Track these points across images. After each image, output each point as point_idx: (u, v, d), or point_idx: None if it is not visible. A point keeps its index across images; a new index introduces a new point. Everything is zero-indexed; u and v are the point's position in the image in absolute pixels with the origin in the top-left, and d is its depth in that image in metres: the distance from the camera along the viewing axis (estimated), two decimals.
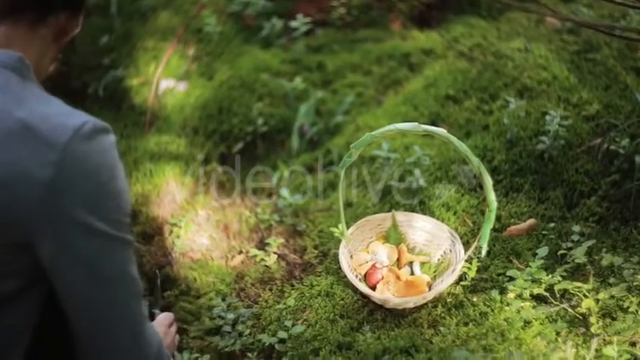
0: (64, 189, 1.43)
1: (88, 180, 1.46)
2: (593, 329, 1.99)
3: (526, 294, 2.15)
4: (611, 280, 2.15)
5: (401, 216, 2.48)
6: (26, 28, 1.60)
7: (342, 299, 2.28)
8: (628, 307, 2.04)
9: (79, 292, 1.51)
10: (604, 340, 1.96)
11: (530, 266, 2.19)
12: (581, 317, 2.05)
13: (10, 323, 1.56)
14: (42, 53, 1.66)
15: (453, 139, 2.02)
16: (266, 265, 2.55)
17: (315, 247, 2.58)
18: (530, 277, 2.16)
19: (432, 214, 2.54)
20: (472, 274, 2.26)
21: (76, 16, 1.69)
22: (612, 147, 2.59)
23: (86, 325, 1.56)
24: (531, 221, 2.47)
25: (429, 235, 2.42)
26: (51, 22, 1.63)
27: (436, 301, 2.21)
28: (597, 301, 2.07)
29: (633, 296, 2.06)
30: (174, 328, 2.06)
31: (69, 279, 1.50)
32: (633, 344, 1.91)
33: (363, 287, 2.23)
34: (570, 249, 2.28)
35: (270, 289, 2.44)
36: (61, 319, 1.57)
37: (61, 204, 1.43)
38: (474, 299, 2.20)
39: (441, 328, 2.09)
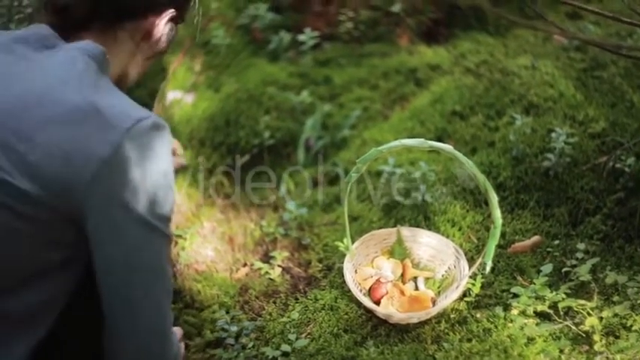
0: (118, 169, 1.52)
1: (140, 168, 1.55)
2: (596, 347, 1.99)
3: (530, 311, 2.15)
4: (615, 298, 2.15)
5: (406, 231, 2.48)
6: (102, 32, 1.73)
7: (346, 313, 2.28)
8: (631, 326, 2.04)
9: (115, 273, 1.60)
10: (607, 358, 1.95)
11: (535, 283, 2.19)
12: (584, 335, 2.05)
13: (49, 291, 1.65)
14: (125, 60, 1.81)
15: (459, 155, 2.02)
16: (270, 278, 2.55)
17: (320, 261, 2.58)
18: (534, 294, 2.16)
19: (437, 230, 2.54)
20: (476, 290, 2.26)
21: (155, 21, 1.80)
22: (618, 165, 2.59)
23: (116, 311, 1.64)
24: (536, 238, 2.48)
25: (434, 250, 2.43)
26: (127, 27, 1.77)
27: (440, 316, 2.21)
28: (601, 319, 2.07)
29: (637, 315, 2.05)
30: (182, 344, 2.11)
31: (107, 256, 1.59)
32: None
33: (367, 302, 2.23)
34: (575, 266, 2.28)
35: (275, 302, 2.44)
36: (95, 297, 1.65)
37: (112, 182, 1.53)
38: (478, 315, 2.20)
39: (445, 344, 2.09)
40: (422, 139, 2.04)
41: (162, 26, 1.81)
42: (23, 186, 1.49)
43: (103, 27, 1.73)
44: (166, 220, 1.64)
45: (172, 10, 1.82)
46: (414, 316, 2.17)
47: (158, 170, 1.59)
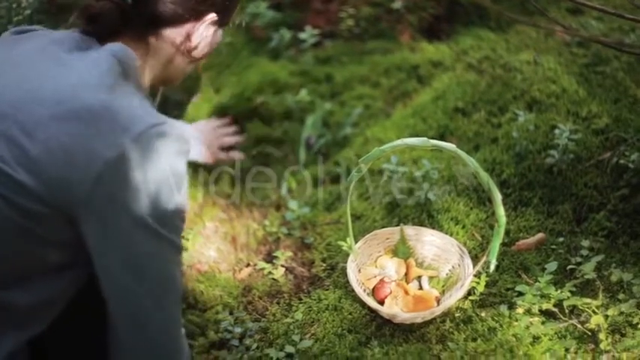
0: (123, 173, 1.50)
1: (148, 174, 1.52)
2: (602, 345, 1.98)
3: (535, 309, 2.14)
4: (621, 296, 2.14)
5: (409, 230, 2.47)
6: (137, 39, 1.75)
7: (350, 313, 2.28)
8: (637, 324, 2.03)
9: (121, 282, 1.58)
10: (613, 356, 1.95)
11: (539, 281, 2.18)
12: (590, 333, 2.04)
13: (46, 291, 1.64)
14: (164, 63, 1.82)
15: (462, 153, 2.01)
16: (274, 279, 2.55)
17: (323, 261, 2.57)
18: (539, 293, 2.15)
19: (440, 229, 2.53)
20: (480, 288, 2.25)
21: (195, 25, 1.81)
22: (622, 161, 2.58)
23: (123, 320, 1.62)
24: (540, 236, 2.47)
25: (438, 249, 2.42)
26: (164, 33, 1.78)
27: (444, 316, 2.20)
28: (606, 317, 2.06)
29: None
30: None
31: (112, 265, 1.56)
32: None
33: (371, 302, 2.22)
34: (579, 264, 2.27)
35: (278, 303, 2.43)
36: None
37: (116, 186, 1.50)
38: (483, 314, 2.19)
39: (450, 344, 2.09)
40: (424, 138, 2.02)
41: (202, 31, 1.81)
42: (23, 179, 1.49)
43: (136, 34, 1.73)
44: (178, 229, 1.62)
45: (214, 14, 1.82)
46: (419, 316, 2.16)
47: (170, 178, 1.56)
